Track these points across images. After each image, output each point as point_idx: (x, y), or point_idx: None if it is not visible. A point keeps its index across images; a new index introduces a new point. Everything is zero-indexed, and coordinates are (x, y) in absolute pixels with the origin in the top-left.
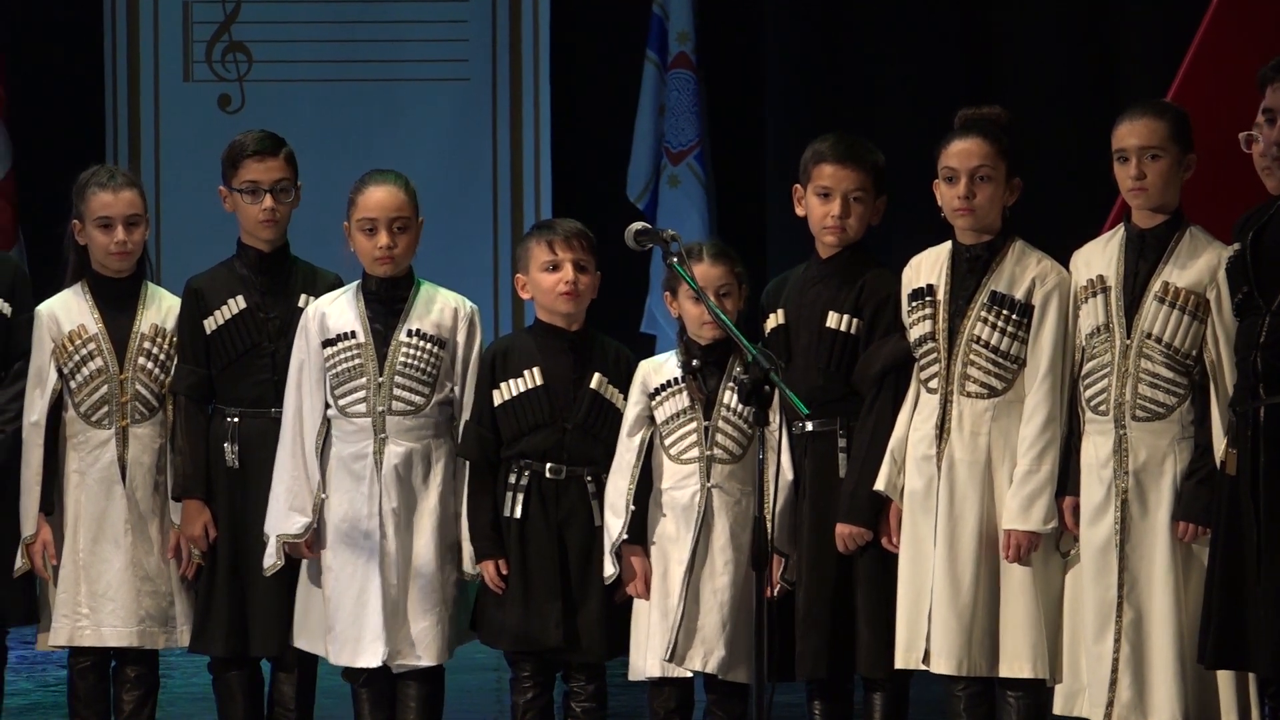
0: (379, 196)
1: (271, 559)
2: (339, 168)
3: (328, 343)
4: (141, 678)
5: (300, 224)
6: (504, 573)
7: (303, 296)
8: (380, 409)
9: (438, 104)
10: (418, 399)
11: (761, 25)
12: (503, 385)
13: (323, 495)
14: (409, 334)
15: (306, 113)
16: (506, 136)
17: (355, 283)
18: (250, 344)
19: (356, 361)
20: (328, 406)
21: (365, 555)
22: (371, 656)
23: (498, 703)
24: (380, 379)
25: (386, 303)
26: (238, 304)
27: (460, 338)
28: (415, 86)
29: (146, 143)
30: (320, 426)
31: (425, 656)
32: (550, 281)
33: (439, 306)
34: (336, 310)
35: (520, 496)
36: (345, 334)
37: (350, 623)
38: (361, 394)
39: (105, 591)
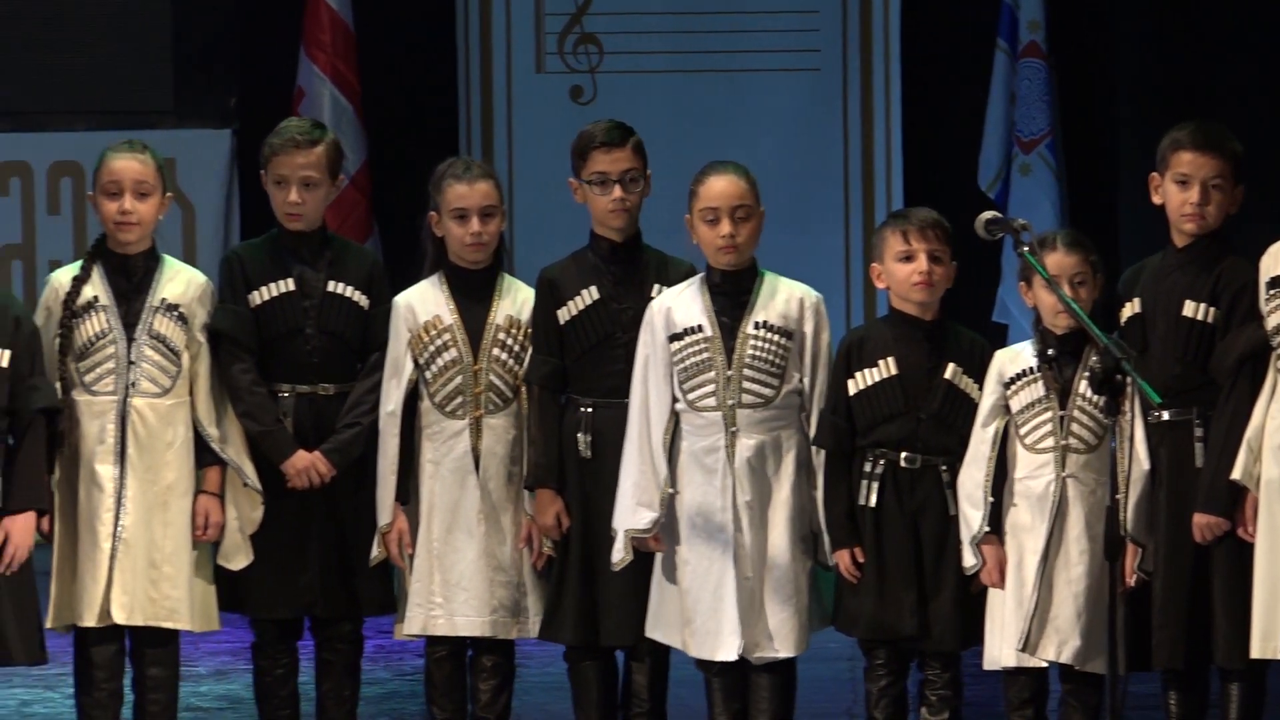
0: (720, 186)
1: (620, 554)
2: (690, 158)
3: (674, 337)
4: (497, 667)
5: (652, 213)
6: (859, 561)
7: (655, 286)
8: (730, 402)
9: (788, 94)
10: (767, 391)
11: (1112, 12)
12: (857, 375)
13: (670, 490)
14: (756, 326)
15: (657, 103)
16: (857, 126)
17: (699, 276)
18: (604, 334)
19: (704, 355)
20: (675, 401)
21: (720, 548)
22: (729, 650)
23: (851, 692)
24: (729, 372)
25: (732, 295)
26: (591, 294)
27: (808, 328)
28: (765, 77)
29: (499, 134)
30: (668, 421)
31: (783, 648)
32: (905, 271)
33: (784, 297)
34: (682, 304)
35: (875, 485)
36: (692, 328)
37: (709, 616)
38: (710, 388)
39: (458, 581)
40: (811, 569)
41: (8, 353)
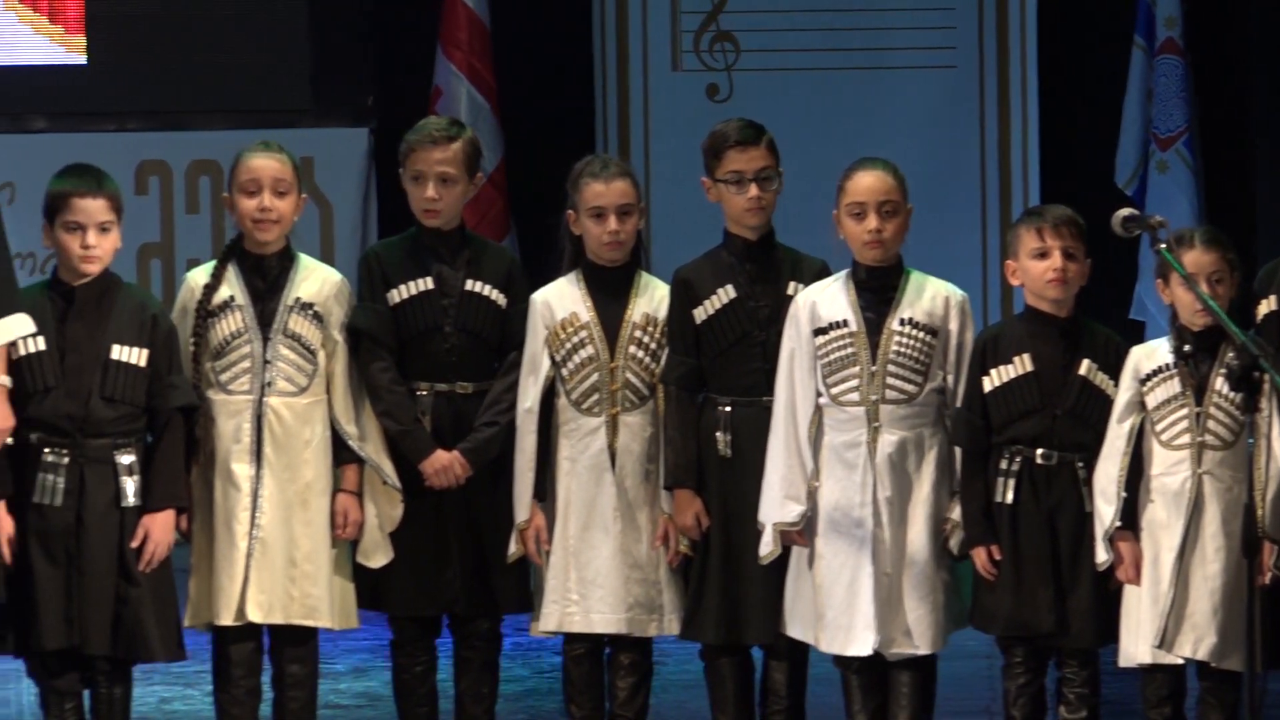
0: (868, 181)
1: (768, 547)
2: (825, 156)
3: (819, 331)
4: (635, 664)
5: (787, 212)
6: (996, 559)
7: (790, 284)
8: (873, 397)
9: (924, 92)
10: (910, 387)
11: (1249, 8)
12: (993, 371)
13: (815, 483)
14: (901, 322)
15: (793, 101)
16: (994, 124)
17: (844, 271)
18: (740, 332)
19: (849, 350)
20: (819, 395)
21: (857, 544)
22: (863, 645)
23: (989, 689)
24: (873, 368)
25: (877, 291)
26: (727, 293)
27: (953, 326)
28: (901, 74)
29: (636, 133)
30: (812, 415)
31: (921, 645)
32: (1039, 269)
33: (930, 294)
34: (827, 299)
35: (1011, 482)
36: (837, 323)
37: (842, 611)
38: (854, 383)
39: (594, 578)
40: (950, 566)
41: (146, 351)
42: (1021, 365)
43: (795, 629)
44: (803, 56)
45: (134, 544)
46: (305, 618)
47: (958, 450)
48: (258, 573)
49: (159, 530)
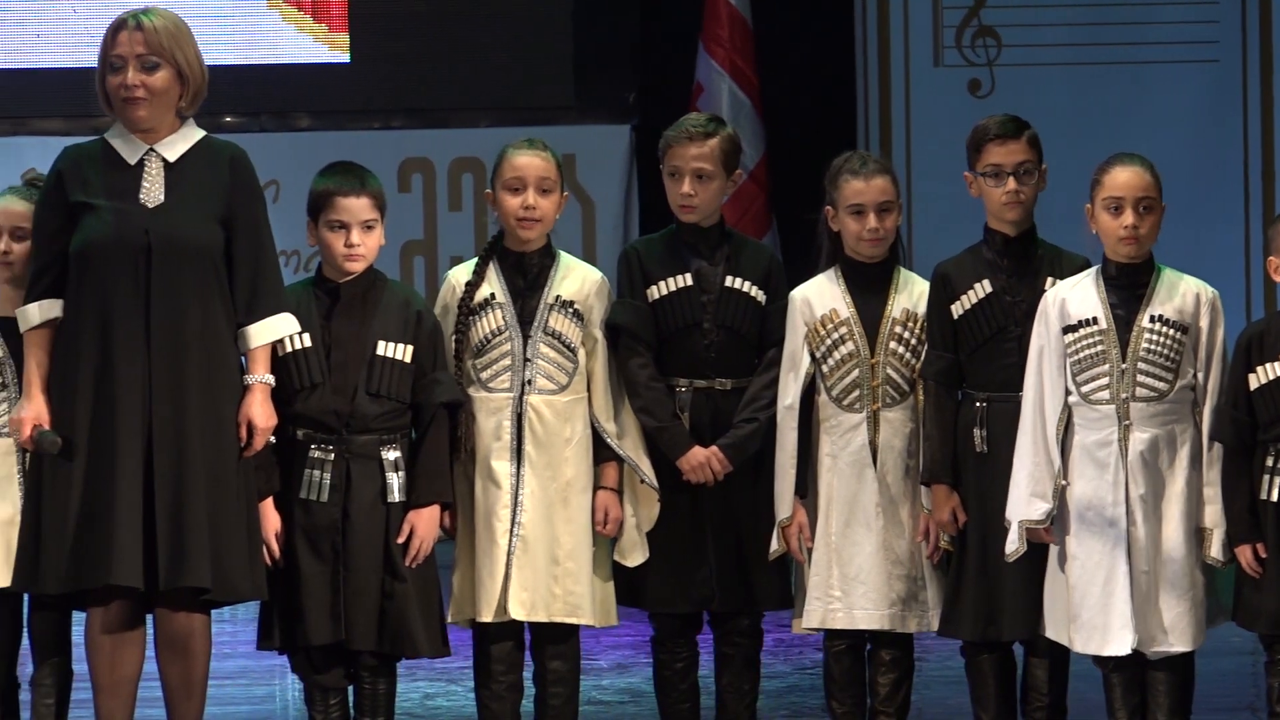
0: (1125, 176)
1: (1014, 545)
2: (1087, 151)
3: (1068, 329)
4: (896, 661)
5: (1048, 206)
6: (1262, 556)
7: (1049, 280)
8: (1124, 395)
9: (1187, 86)
10: (1161, 385)
11: None
12: (1259, 369)
13: (1063, 482)
14: (1151, 319)
15: (1056, 96)
16: (1257, 118)
17: (1094, 268)
18: (997, 328)
19: (1099, 348)
20: (1068, 393)
21: (1111, 542)
22: (1120, 644)
23: (1252, 687)
24: (1123, 365)
25: (1128, 288)
26: (984, 288)
27: (1204, 323)
28: (1164, 69)
29: (897, 128)
30: (1061, 413)
31: (1178, 643)
32: None
33: (1181, 291)
34: (1077, 296)
35: (1277, 480)
36: (1086, 320)
37: (1098, 610)
38: (1104, 381)
39: (857, 575)
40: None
41: (410, 347)
42: None
43: (1052, 629)
44: (1064, 51)
45: (399, 540)
46: (568, 615)
47: (1215, 447)
48: (520, 570)
49: (424, 526)
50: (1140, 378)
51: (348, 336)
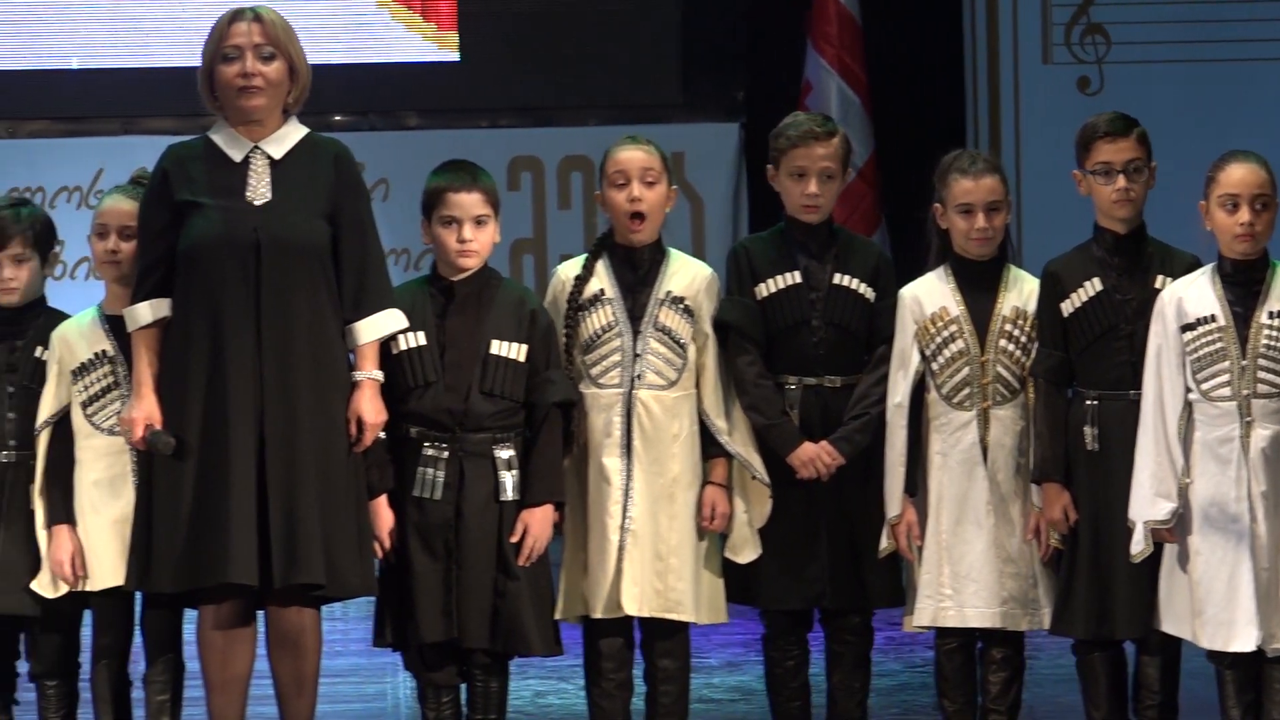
0: (1241, 173)
1: (1139, 545)
2: (1198, 149)
3: (1186, 327)
4: (1007, 659)
5: (1160, 205)
6: None
7: (1159, 277)
8: (1245, 392)
9: None
10: None
11: None
12: None
13: (1186, 480)
14: (1270, 315)
15: (1165, 94)
16: None
17: (1210, 265)
18: (1107, 326)
19: (1218, 345)
20: (1188, 391)
21: (1235, 539)
22: (1245, 641)
23: None
24: (1243, 362)
25: (1244, 285)
26: (1094, 286)
27: None
28: (1275, 66)
29: (1006, 126)
30: (1182, 411)
31: None
32: None
33: None
34: (1194, 294)
35: None
36: (1204, 318)
37: (1222, 607)
38: (1225, 378)
39: (968, 573)
40: None
41: (524, 346)
42: None
43: (1171, 625)
44: (1174, 49)
45: (513, 539)
46: (670, 611)
47: None
48: (630, 566)
49: (538, 525)
50: (1260, 374)
51: (462, 335)
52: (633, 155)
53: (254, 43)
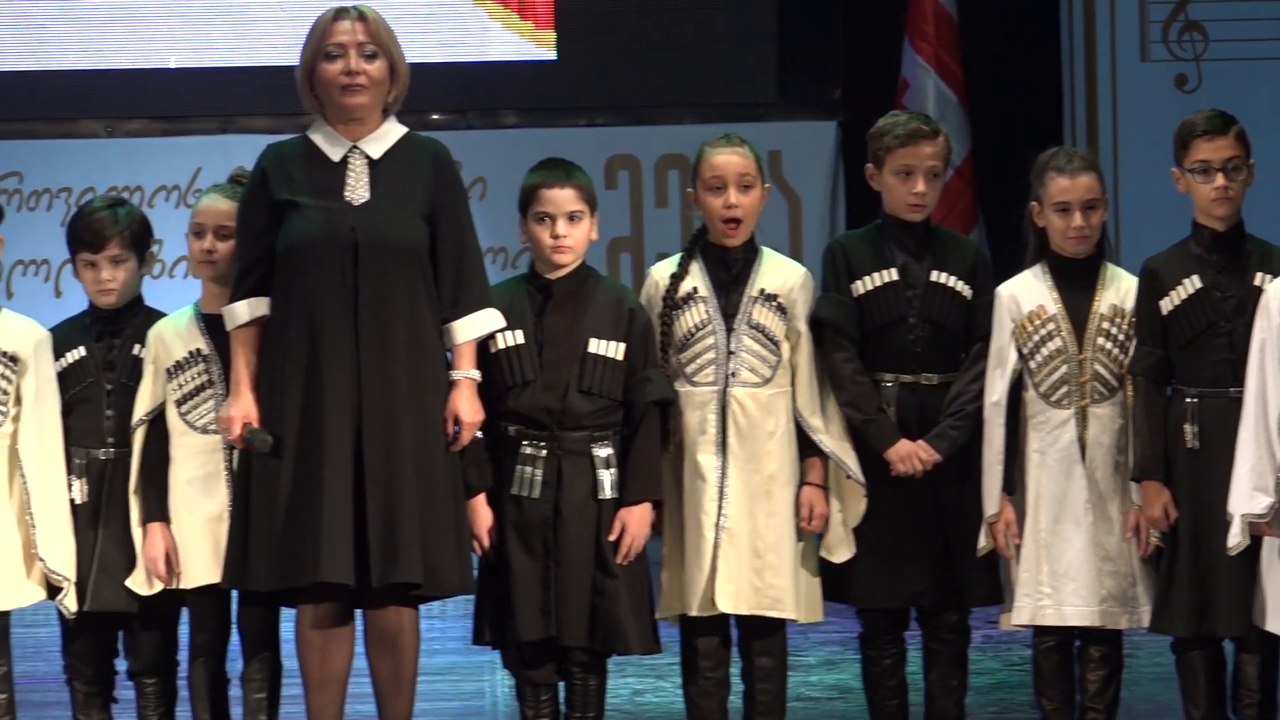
0: None
1: (1236, 538)
2: None
3: None
4: (1106, 657)
5: (1258, 203)
6: None
7: (1258, 275)
8: None
9: None
10: None
11: None
12: None
13: None
14: None
15: (1264, 91)
16: None
17: None
18: (1206, 323)
19: None
20: None
21: None
22: None
23: None
24: None
25: None
26: (1193, 284)
27: None
28: None
29: (1104, 123)
30: None
31: None
32: None
33: None
34: None
35: None
36: None
37: None
38: None
39: (1066, 571)
40: None
41: (622, 345)
42: None
43: (1272, 623)
44: (1273, 46)
45: (611, 537)
46: (768, 609)
47: None
48: (725, 563)
49: (636, 524)
50: None
51: (560, 333)
52: (729, 160)
53: (358, 41)
